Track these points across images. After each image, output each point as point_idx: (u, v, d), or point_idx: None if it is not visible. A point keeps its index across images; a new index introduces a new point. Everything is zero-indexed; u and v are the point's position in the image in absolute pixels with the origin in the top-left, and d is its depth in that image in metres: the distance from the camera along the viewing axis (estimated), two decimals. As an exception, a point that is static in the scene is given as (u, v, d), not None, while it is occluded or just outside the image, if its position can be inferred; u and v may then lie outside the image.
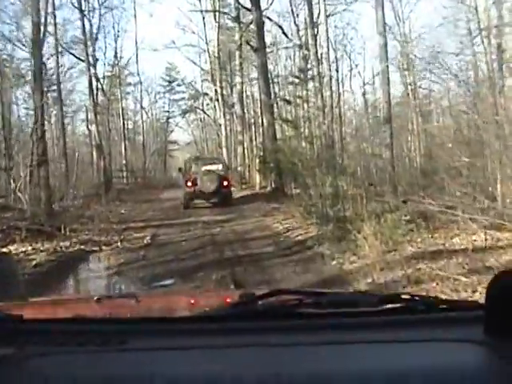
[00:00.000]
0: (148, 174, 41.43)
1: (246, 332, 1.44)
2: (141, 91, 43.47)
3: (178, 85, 50.55)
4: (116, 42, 39.86)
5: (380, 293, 3.10)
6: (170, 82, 51.34)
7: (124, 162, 37.62)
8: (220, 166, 21.01)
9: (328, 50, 25.09)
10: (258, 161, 24.55)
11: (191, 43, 40.72)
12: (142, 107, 43.96)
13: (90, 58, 36.47)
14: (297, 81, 24.86)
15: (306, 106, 21.39)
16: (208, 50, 38.60)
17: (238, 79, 33.65)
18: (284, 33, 29.51)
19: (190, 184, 20.10)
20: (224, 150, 36.74)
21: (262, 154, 23.43)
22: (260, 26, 22.88)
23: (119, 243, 12.71)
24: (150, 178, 40.64)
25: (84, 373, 1.26)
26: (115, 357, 1.35)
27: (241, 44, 32.25)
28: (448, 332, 1.40)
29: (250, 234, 13.03)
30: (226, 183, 20.19)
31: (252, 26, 27.20)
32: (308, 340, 1.39)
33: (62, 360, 1.33)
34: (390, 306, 1.55)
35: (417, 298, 1.68)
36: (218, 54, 35.96)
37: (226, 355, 1.34)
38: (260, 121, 32.55)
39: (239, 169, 31.19)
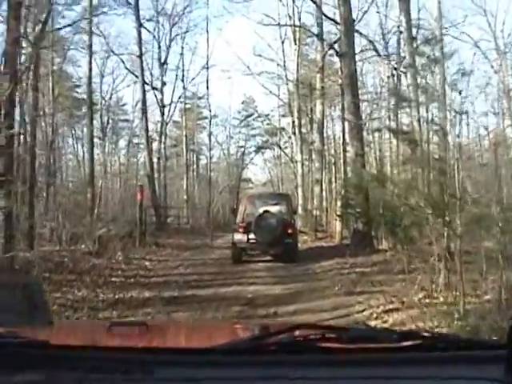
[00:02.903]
0: (213, 214, 35.09)
1: (267, 365, 1.36)
2: (210, 119, 37.26)
3: (254, 119, 44.51)
4: (183, 64, 33.82)
5: (400, 329, 2.43)
6: (247, 116, 45.46)
7: (186, 198, 31.49)
8: (283, 208, 14.39)
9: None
10: (339, 203, 17.50)
11: (267, 71, 34.49)
12: (209, 137, 37.78)
13: (158, 83, 31.38)
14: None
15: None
16: (286, 76, 32.43)
17: (318, 107, 27.01)
18: (375, 49, 22.77)
19: (241, 230, 13.71)
20: (300, 190, 30.40)
21: (344, 193, 16.38)
22: (348, 26, 16.22)
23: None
24: (214, 218, 34.24)
25: None
26: None
27: (323, 66, 25.90)
28: (468, 370, 1.31)
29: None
30: (290, 231, 13.67)
31: (336, 46, 20.99)
32: (328, 375, 1.32)
33: None
34: (410, 342, 1.43)
35: (437, 336, 1.62)
36: (297, 80, 29.75)
37: None
38: (341, 160, 26.03)
39: (315, 213, 24.19)
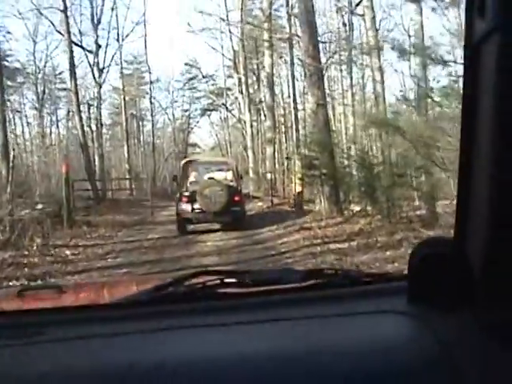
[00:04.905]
0: (159, 183, 31.90)
1: (168, 315, 1.22)
2: (150, 82, 33.94)
3: (198, 81, 41.23)
4: (117, 21, 30.15)
5: (303, 268, 2.15)
6: (190, 78, 42.04)
7: (127, 167, 28.28)
8: (229, 174, 13.38)
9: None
10: (298, 163, 14.72)
11: (209, 27, 31.20)
12: (150, 101, 34.50)
13: (94, 46, 27.84)
14: None
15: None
16: (230, 30, 29.28)
17: (267, 60, 24.10)
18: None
19: (185, 199, 12.38)
20: (250, 152, 27.74)
21: (306, 152, 13.62)
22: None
23: None
24: (160, 187, 31.11)
25: None
26: (28, 350, 1.09)
27: (270, 14, 22.92)
28: (372, 304, 1.23)
29: None
30: (237, 198, 12.51)
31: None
32: (231, 320, 1.19)
33: None
34: (313, 281, 1.35)
35: (340, 272, 1.51)
36: (242, 33, 26.64)
37: (148, 340, 1.14)
38: (293, 116, 23.27)
39: (269, 176, 21.51)
